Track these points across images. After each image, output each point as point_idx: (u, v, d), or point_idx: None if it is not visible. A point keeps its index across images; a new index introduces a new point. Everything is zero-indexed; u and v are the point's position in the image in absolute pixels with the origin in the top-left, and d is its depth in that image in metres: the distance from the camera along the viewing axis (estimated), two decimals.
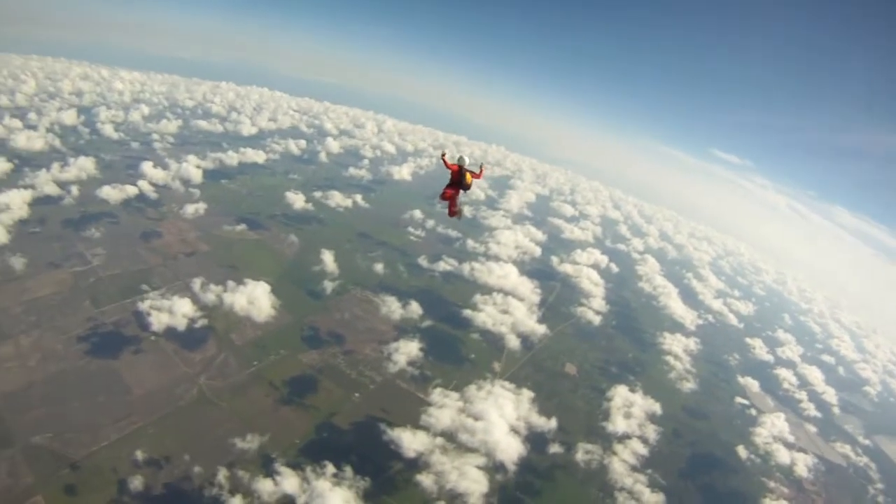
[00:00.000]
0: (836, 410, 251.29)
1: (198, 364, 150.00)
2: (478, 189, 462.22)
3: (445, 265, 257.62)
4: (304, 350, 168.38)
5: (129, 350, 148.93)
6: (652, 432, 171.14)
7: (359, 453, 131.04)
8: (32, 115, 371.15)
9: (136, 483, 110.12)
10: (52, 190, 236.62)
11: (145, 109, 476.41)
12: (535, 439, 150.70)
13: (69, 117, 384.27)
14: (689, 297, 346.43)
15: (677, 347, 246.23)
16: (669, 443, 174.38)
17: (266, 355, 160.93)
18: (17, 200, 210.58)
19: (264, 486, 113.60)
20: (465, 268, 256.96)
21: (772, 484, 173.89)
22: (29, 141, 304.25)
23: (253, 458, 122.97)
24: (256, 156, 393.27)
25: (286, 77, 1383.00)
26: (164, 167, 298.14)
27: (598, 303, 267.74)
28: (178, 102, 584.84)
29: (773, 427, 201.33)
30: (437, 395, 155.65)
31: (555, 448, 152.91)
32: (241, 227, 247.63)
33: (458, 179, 44.47)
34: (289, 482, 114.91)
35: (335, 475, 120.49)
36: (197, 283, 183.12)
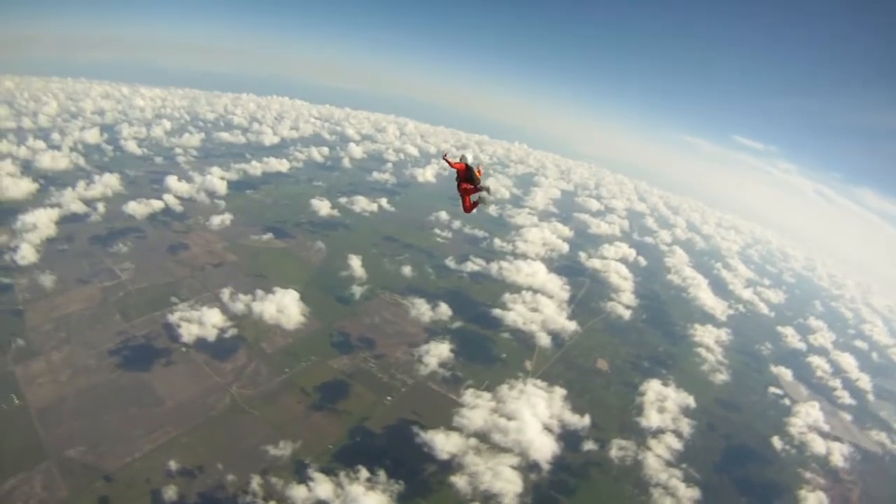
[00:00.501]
0: (870, 397, 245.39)
1: (229, 373, 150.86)
2: (503, 188, 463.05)
3: (473, 265, 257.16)
4: (335, 355, 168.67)
5: (160, 362, 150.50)
6: (686, 426, 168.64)
7: (392, 457, 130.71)
8: (56, 136, 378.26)
9: (170, 493, 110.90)
10: (78, 208, 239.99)
11: (167, 124, 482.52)
12: (568, 437, 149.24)
13: (92, 136, 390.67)
14: (719, 287, 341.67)
15: (709, 339, 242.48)
16: (704, 436, 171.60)
17: (297, 362, 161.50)
18: (44, 219, 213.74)
19: (298, 492, 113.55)
20: (493, 267, 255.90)
21: (808, 475, 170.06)
22: (53, 161, 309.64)
23: (286, 464, 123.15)
24: (280, 165, 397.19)
25: (306, 85, 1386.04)
26: (189, 180, 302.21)
27: (628, 297, 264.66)
28: (200, 116, 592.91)
29: (807, 416, 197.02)
30: (469, 395, 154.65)
31: (589, 445, 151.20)
32: (268, 235, 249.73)
33: (468, 176, 44.66)
34: (322, 488, 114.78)
35: (369, 479, 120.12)
36: (226, 294, 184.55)
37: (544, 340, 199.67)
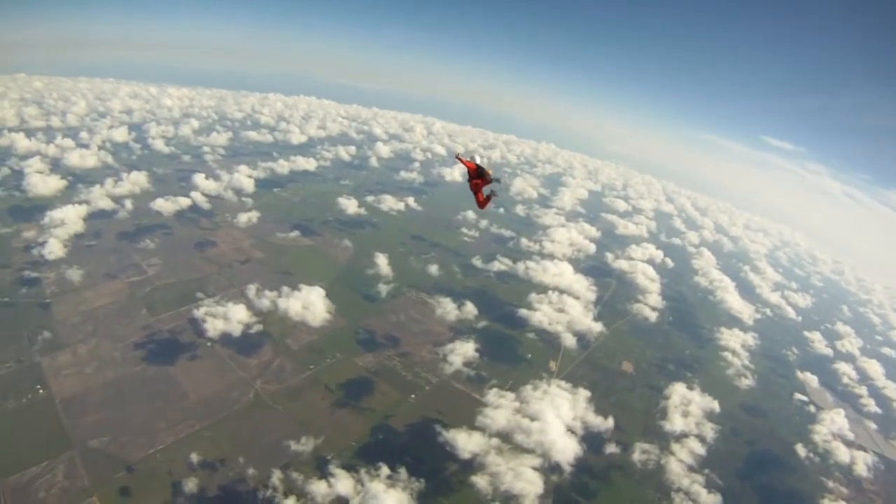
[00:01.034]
0: None
1: (254, 369, 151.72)
2: (530, 187, 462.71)
3: (500, 265, 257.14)
4: (360, 353, 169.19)
5: (185, 356, 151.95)
6: (709, 431, 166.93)
7: (414, 455, 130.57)
8: (84, 134, 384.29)
9: (191, 485, 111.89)
10: (106, 204, 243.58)
11: (195, 123, 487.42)
12: (591, 439, 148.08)
13: (120, 134, 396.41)
14: (746, 290, 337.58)
15: (735, 343, 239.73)
16: (727, 441, 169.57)
17: (322, 359, 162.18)
18: (73, 215, 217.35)
19: (318, 487, 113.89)
20: (520, 267, 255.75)
21: (830, 484, 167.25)
22: (82, 158, 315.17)
23: (307, 460, 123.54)
24: (307, 163, 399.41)
25: (333, 85, 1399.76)
26: (216, 178, 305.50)
27: (654, 299, 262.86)
28: (227, 115, 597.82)
29: (832, 424, 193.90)
30: (492, 395, 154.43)
31: (611, 448, 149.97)
32: (295, 233, 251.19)
33: (479, 172, 46.98)
34: (343, 484, 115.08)
35: (390, 477, 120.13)
36: (252, 290, 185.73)
37: (569, 341, 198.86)
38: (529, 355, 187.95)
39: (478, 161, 46.03)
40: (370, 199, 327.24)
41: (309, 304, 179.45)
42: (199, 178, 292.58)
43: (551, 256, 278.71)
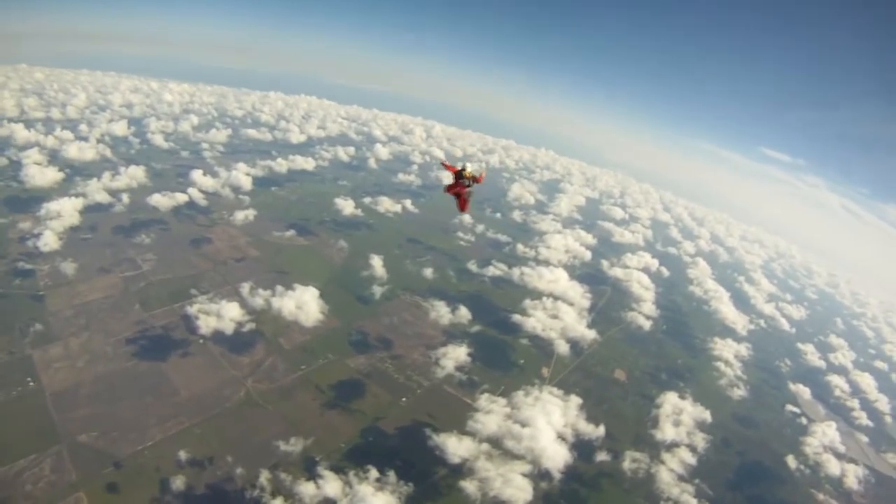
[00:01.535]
0: (888, 419, 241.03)
1: (245, 367, 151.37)
2: (527, 193, 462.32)
3: (495, 270, 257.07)
4: (352, 354, 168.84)
5: (177, 353, 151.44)
6: (701, 441, 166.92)
7: (403, 458, 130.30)
8: (83, 127, 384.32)
9: (179, 483, 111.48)
10: (102, 198, 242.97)
11: (195, 119, 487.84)
12: (582, 447, 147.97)
13: (120, 128, 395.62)
14: (741, 301, 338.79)
15: (728, 353, 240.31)
16: (718, 452, 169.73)
17: (314, 359, 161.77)
18: (69, 208, 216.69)
19: (306, 488, 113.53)
20: (515, 272, 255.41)
21: (821, 496, 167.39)
22: (80, 151, 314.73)
23: (296, 460, 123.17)
24: (306, 163, 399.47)
25: (334, 86, 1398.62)
26: (214, 175, 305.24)
27: (649, 307, 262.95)
28: (227, 112, 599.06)
29: (823, 436, 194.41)
30: (484, 400, 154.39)
31: (602, 456, 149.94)
32: (291, 232, 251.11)
33: (459, 176, 49.66)
34: (331, 486, 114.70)
35: (378, 480, 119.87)
36: (246, 288, 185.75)
37: (563, 348, 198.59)
38: (522, 361, 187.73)
39: (469, 168, 47.41)
40: (367, 200, 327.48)
41: (303, 303, 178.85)
42: (197, 175, 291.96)
43: (547, 263, 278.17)
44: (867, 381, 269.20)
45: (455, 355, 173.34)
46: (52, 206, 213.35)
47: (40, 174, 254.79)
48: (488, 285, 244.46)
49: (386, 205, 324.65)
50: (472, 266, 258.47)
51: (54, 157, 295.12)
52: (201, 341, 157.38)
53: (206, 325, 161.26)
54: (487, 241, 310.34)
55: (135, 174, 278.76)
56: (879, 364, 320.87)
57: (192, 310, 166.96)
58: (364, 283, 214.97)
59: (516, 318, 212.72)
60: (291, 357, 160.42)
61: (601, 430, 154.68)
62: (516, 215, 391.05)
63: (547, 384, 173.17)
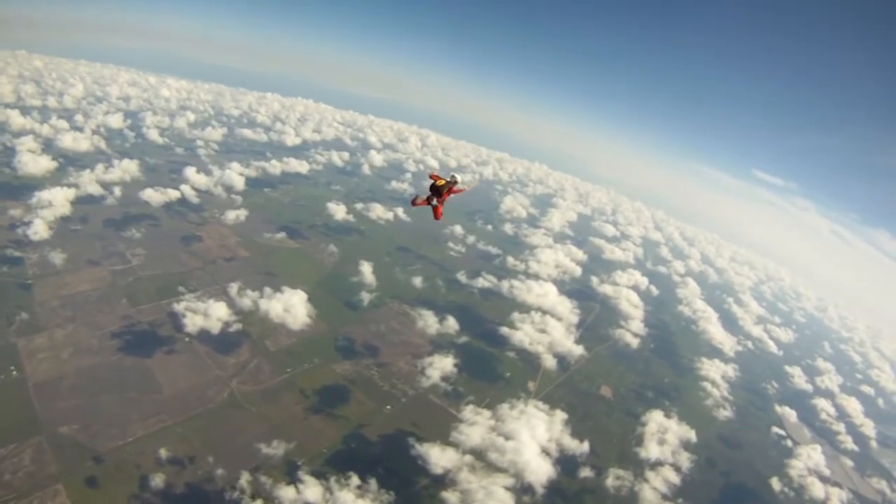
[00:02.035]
0: (873, 444, 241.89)
1: (230, 368, 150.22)
2: (519, 206, 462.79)
3: (484, 281, 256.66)
4: (338, 360, 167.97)
5: (162, 350, 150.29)
6: (685, 460, 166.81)
7: (385, 466, 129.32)
8: (79, 117, 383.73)
9: (158, 480, 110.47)
10: (95, 190, 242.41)
11: (191, 116, 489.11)
12: (565, 462, 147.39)
13: (116, 121, 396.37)
14: (729, 322, 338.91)
15: (715, 373, 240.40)
16: (702, 472, 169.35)
17: (299, 363, 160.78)
18: (60, 198, 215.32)
19: (286, 493, 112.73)
20: (504, 285, 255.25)
21: None
22: (75, 141, 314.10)
23: (277, 464, 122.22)
24: (300, 166, 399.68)
25: (331, 90, 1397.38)
26: (208, 173, 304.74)
27: (637, 325, 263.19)
28: (224, 111, 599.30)
29: (808, 459, 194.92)
30: (468, 411, 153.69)
31: (585, 472, 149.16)
32: (282, 235, 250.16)
33: (437, 188, 47.11)
34: (311, 491, 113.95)
35: (359, 487, 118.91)
36: (234, 288, 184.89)
37: (550, 362, 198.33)
38: (508, 374, 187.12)
39: (459, 179, 45.85)
40: (359, 206, 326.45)
41: (290, 306, 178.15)
42: (191, 172, 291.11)
43: (536, 276, 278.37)
44: (853, 406, 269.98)
45: (441, 365, 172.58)
46: (44, 195, 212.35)
47: (34, 162, 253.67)
48: (477, 297, 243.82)
49: (378, 212, 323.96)
50: (462, 277, 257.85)
51: (48, 146, 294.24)
52: (187, 339, 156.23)
53: (192, 323, 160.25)
54: (478, 253, 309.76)
55: (128, 168, 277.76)
56: (866, 389, 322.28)
57: (179, 307, 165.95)
58: (353, 289, 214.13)
59: (504, 330, 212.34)
60: (277, 360, 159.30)
61: (585, 446, 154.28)
62: (508, 228, 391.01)
63: (532, 398, 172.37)
